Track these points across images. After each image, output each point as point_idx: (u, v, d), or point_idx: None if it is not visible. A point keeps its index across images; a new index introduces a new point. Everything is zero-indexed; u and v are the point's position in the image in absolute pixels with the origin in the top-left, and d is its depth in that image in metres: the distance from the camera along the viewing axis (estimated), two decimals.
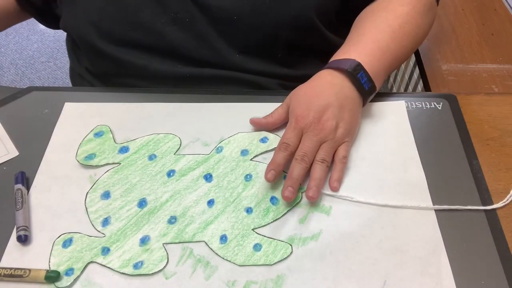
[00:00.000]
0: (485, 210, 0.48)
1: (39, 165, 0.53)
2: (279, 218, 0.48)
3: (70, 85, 0.75)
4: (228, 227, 0.47)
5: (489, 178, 0.51)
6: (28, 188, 0.51)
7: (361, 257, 0.45)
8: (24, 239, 0.45)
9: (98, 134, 0.56)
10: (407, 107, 0.59)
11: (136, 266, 0.44)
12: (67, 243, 0.46)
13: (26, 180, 0.51)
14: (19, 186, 0.50)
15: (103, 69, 0.65)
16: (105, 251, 0.45)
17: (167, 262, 0.45)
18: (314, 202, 0.49)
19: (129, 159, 0.53)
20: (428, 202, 0.49)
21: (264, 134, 0.56)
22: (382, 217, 0.48)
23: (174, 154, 0.54)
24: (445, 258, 0.45)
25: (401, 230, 0.47)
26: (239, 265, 0.44)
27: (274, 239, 0.46)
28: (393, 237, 0.46)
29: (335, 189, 0.50)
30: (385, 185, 0.51)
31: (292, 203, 0.49)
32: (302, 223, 0.48)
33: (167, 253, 0.45)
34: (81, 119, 0.58)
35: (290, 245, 0.46)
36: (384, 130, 0.56)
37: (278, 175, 0.49)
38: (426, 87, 0.69)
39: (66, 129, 0.57)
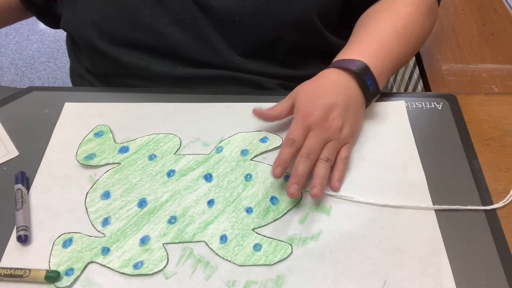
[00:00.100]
0: (485, 210, 0.48)
1: (39, 165, 0.53)
2: (279, 218, 0.48)
3: (70, 85, 0.75)
4: (228, 227, 0.47)
5: (489, 178, 0.51)
6: (28, 188, 0.51)
7: (361, 257, 0.45)
8: (24, 239, 0.45)
9: (98, 134, 0.56)
10: (407, 107, 0.59)
11: (136, 266, 0.44)
12: (67, 243, 0.46)
13: (26, 180, 0.51)
14: (19, 186, 0.50)
15: (103, 69, 0.65)
16: (105, 251, 0.45)
17: (167, 262, 0.45)
18: (314, 202, 0.49)
19: (129, 159, 0.53)
20: (428, 202, 0.49)
21: (264, 134, 0.56)
22: (382, 217, 0.48)
23: (174, 154, 0.54)
24: (445, 258, 0.45)
25: (401, 230, 0.47)
26: (239, 265, 0.44)
27: (274, 239, 0.46)
28: (393, 237, 0.46)
29: (336, 189, 0.50)
30: (385, 185, 0.51)
31: (292, 203, 0.49)
32: (302, 223, 0.48)
33: (167, 253, 0.45)
34: (81, 119, 0.58)
35: (290, 245, 0.46)
36: (384, 130, 0.56)
37: (284, 171, 0.48)
38: (426, 87, 0.69)
39: (66, 129, 0.57)
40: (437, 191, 0.50)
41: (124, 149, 0.54)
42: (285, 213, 0.48)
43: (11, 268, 0.43)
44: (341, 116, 0.51)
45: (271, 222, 0.48)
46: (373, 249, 0.46)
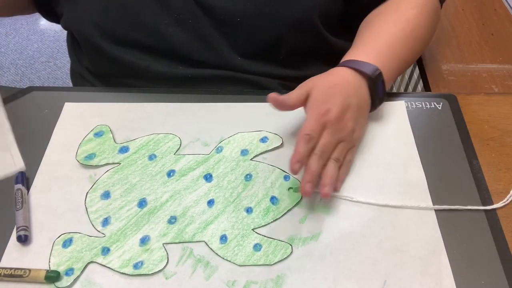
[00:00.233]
0: (485, 210, 0.48)
1: (39, 165, 0.53)
2: (279, 218, 0.48)
3: (70, 85, 0.75)
4: (228, 227, 0.47)
5: (489, 178, 0.51)
6: (28, 188, 0.51)
7: (361, 257, 0.45)
8: (24, 239, 0.45)
9: (98, 134, 0.56)
10: (407, 107, 0.59)
11: (136, 266, 0.44)
12: (67, 243, 0.46)
13: (26, 180, 0.51)
14: (19, 186, 0.50)
15: (104, 69, 0.65)
16: (105, 251, 0.45)
17: (167, 262, 0.45)
18: (314, 202, 0.49)
19: (129, 159, 0.53)
20: (428, 202, 0.49)
21: (264, 134, 0.56)
22: (382, 217, 0.48)
23: (174, 154, 0.54)
24: (445, 258, 0.45)
25: (401, 230, 0.47)
26: (239, 265, 0.44)
27: (274, 239, 0.46)
28: (393, 237, 0.46)
29: (337, 189, 0.50)
30: (385, 185, 0.51)
31: (292, 203, 0.49)
32: (302, 223, 0.48)
33: (167, 253, 0.45)
34: (81, 119, 0.58)
35: (290, 245, 0.46)
36: (384, 130, 0.56)
37: (302, 166, 0.47)
38: (426, 87, 0.69)
39: (66, 129, 0.57)
40: (437, 191, 0.50)
41: (124, 149, 0.54)
42: (285, 213, 0.48)
43: (11, 268, 0.43)
44: (354, 118, 0.51)
45: (271, 222, 0.48)
46: (373, 249, 0.46)
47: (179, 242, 0.46)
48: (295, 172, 0.46)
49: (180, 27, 0.60)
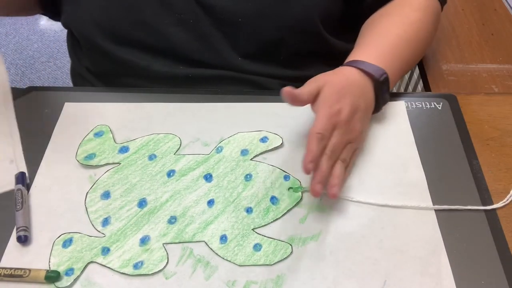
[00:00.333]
0: (485, 210, 0.48)
1: (39, 165, 0.53)
2: (279, 218, 0.48)
3: (70, 85, 0.75)
4: (228, 227, 0.47)
5: (489, 178, 0.51)
6: (28, 188, 0.51)
7: (361, 257, 0.45)
8: (24, 240, 0.45)
9: (98, 134, 0.56)
10: (407, 107, 0.59)
11: (136, 266, 0.44)
12: (67, 243, 0.46)
13: (26, 180, 0.51)
14: (19, 186, 0.50)
15: (104, 68, 0.65)
16: (105, 251, 0.45)
17: (167, 262, 0.45)
18: (314, 202, 0.49)
19: (129, 159, 0.53)
20: (428, 202, 0.49)
21: (264, 134, 0.56)
22: (382, 217, 0.48)
23: (174, 154, 0.54)
24: (445, 258, 0.45)
25: (401, 230, 0.47)
26: (239, 265, 0.44)
27: (274, 239, 0.46)
28: (393, 237, 0.46)
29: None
30: (385, 185, 0.51)
31: (292, 203, 0.49)
32: (302, 223, 0.48)
33: (167, 253, 0.45)
34: (81, 119, 0.57)
35: (290, 245, 0.46)
36: (384, 130, 0.56)
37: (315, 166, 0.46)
38: (426, 87, 0.69)
39: (66, 129, 0.57)
40: (437, 191, 0.50)
41: (124, 149, 0.54)
42: (285, 213, 0.48)
43: (11, 268, 0.43)
44: (361, 119, 0.51)
45: (271, 222, 0.48)
46: (373, 249, 0.46)
47: (179, 242, 0.46)
48: (308, 172, 0.45)
49: (181, 27, 0.60)
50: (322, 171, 0.47)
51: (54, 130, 0.56)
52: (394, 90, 1.15)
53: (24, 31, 1.93)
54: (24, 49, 1.87)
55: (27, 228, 0.46)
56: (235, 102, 0.59)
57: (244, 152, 0.54)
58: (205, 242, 0.46)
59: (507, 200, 0.49)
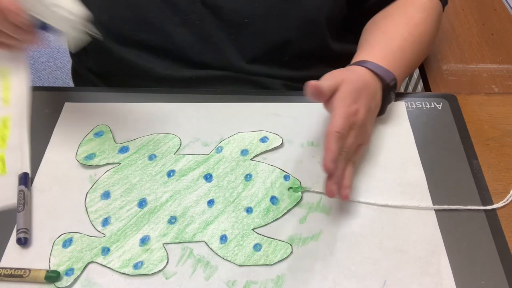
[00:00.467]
0: (485, 210, 0.48)
1: (39, 165, 0.53)
2: (279, 218, 0.48)
3: (70, 85, 0.75)
4: (228, 227, 0.47)
5: (489, 178, 0.51)
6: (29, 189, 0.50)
7: (361, 257, 0.45)
8: (23, 242, 0.45)
9: (98, 134, 0.56)
10: (407, 107, 0.59)
11: (136, 266, 0.44)
12: (67, 243, 0.46)
13: (30, 181, 0.51)
14: (22, 187, 0.49)
15: (108, 68, 0.65)
16: (105, 251, 0.45)
17: (167, 262, 0.45)
18: (314, 202, 0.49)
19: (129, 159, 0.53)
20: (428, 202, 0.49)
21: (264, 134, 0.56)
22: (382, 217, 0.48)
23: (174, 154, 0.54)
24: (445, 258, 0.45)
25: (401, 230, 0.47)
26: (239, 265, 0.44)
27: (274, 239, 0.46)
28: (393, 237, 0.46)
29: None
30: (385, 185, 0.51)
31: (292, 203, 0.49)
32: (302, 223, 0.48)
33: (167, 253, 0.45)
34: (81, 119, 0.58)
35: (290, 245, 0.46)
36: (384, 130, 0.56)
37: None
38: (426, 87, 0.69)
39: (66, 129, 0.57)
40: (437, 191, 0.50)
41: (124, 149, 0.54)
42: (285, 213, 0.48)
43: (11, 268, 0.43)
44: (371, 122, 0.51)
45: (271, 222, 0.48)
46: (373, 249, 0.46)
47: (179, 242, 0.46)
48: (329, 171, 0.44)
49: (186, 27, 0.59)
50: (339, 172, 0.46)
51: (54, 130, 0.56)
52: None
53: None
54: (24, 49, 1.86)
55: (27, 230, 0.46)
56: (235, 102, 0.59)
57: (244, 152, 0.54)
58: (205, 242, 0.46)
59: (507, 200, 0.49)
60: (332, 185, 0.45)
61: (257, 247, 0.46)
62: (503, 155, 0.54)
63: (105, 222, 0.48)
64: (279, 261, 0.45)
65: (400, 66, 0.56)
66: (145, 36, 0.60)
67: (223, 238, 0.46)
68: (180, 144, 0.55)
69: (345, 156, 0.47)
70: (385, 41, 0.57)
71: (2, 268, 0.43)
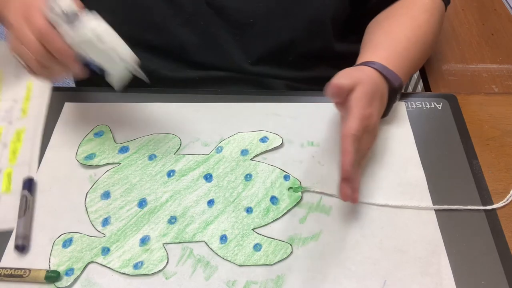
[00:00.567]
0: (485, 210, 0.48)
1: (39, 165, 0.53)
2: (279, 218, 0.48)
3: (70, 85, 0.75)
4: (228, 227, 0.47)
5: (489, 178, 0.51)
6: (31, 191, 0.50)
7: (361, 257, 0.45)
8: (21, 249, 0.45)
9: (98, 134, 0.56)
10: (407, 107, 0.59)
11: (136, 266, 0.44)
12: (67, 243, 0.46)
13: (34, 187, 0.50)
14: (25, 192, 0.49)
15: None
16: (105, 251, 0.45)
17: (167, 262, 0.45)
18: (314, 202, 0.49)
19: (129, 159, 0.53)
20: (428, 202, 0.49)
21: (264, 134, 0.56)
22: (382, 217, 0.48)
23: (174, 154, 0.54)
24: (445, 258, 0.45)
25: (401, 230, 0.47)
26: (239, 265, 0.44)
27: (274, 239, 0.46)
28: (393, 237, 0.46)
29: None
30: (385, 185, 0.51)
31: (292, 203, 0.49)
32: (302, 223, 0.48)
33: (167, 253, 0.45)
34: (81, 119, 0.58)
35: (290, 245, 0.46)
36: (384, 130, 0.56)
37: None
38: (426, 87, 0.69)
39: (66, 129, 0.57)
40: (437, 191, 0.50)
41: (124, 149, 0.54)
42: (285, 213, 0.48)
43: (11, 268, 0.43)
44: (378, 125, 0.51)
45: (271, 222, 0.48)
46: (373, 249, 0.46)
47: (179, 242, 0.46)
48: (348, 174, 0.43)
49: (191, 28, 0.59)
50: (354, 175, 0.45)
51: (54, 130, 0.56)
52: None
53: None
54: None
55: (26, 237, 0.46)
56: (235, 102, 0.59)
57: (244, 152, 0.54)
58: (205, 242, 0.46)
59: (507, 200, 0.49)
60: (348, 188, 0.44)
61: (257, 247, 0.46)
62: (503, 155, 0.54)
63: (105, 222, 0.48)
64: (279, 261, 0.45)
65: (404, 67, 0.55)
66: (149, 37, 0.60)
67: (223, 238, 0.46)
68: (180, 144, 0.55)
69: (359, 160, 0.47)
70: (389, 41, 0.57)
71: (2, 268, 0.43)
